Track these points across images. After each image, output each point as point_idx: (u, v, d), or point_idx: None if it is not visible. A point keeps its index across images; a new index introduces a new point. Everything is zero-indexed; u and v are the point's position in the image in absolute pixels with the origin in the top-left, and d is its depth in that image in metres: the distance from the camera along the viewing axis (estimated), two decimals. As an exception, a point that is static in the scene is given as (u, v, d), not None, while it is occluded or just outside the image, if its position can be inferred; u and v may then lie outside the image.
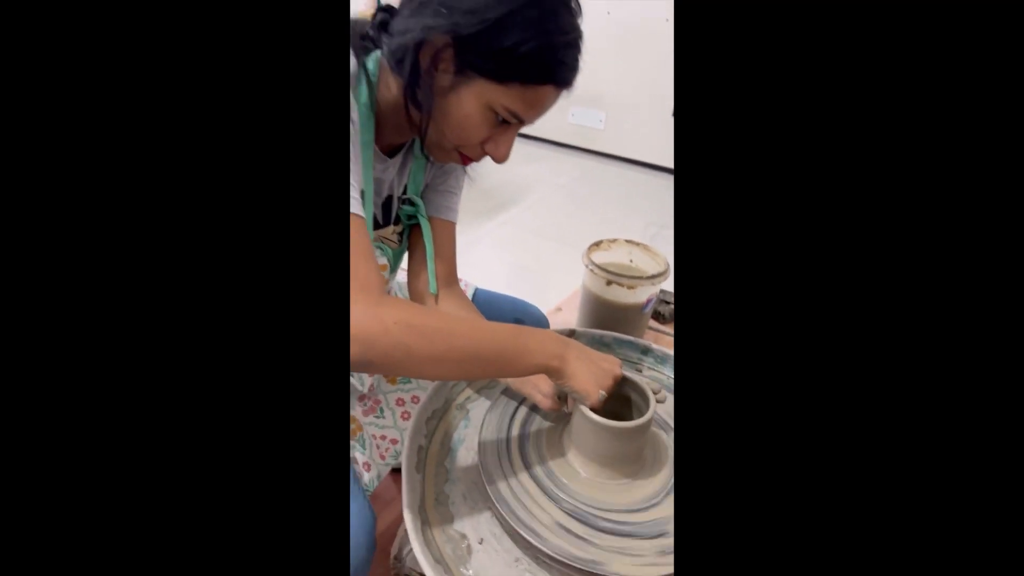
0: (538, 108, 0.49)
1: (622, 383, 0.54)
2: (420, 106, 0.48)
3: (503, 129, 0.51)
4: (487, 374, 0.47)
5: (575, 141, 2.98)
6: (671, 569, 0.42)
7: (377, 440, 0.72)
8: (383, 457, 0.71)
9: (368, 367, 0.39)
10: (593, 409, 0.48)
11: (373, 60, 0.52)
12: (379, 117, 0.54)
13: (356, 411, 0.69)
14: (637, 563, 0.43)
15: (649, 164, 2.77)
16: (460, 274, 0.72)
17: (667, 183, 2.57)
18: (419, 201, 0.65)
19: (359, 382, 0.68)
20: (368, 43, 0.51)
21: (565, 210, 2.25)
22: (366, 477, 0.66)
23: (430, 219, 0.67)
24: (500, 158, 0.53)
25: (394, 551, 0.72)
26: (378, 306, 0.38)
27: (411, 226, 0.68)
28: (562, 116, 2.97)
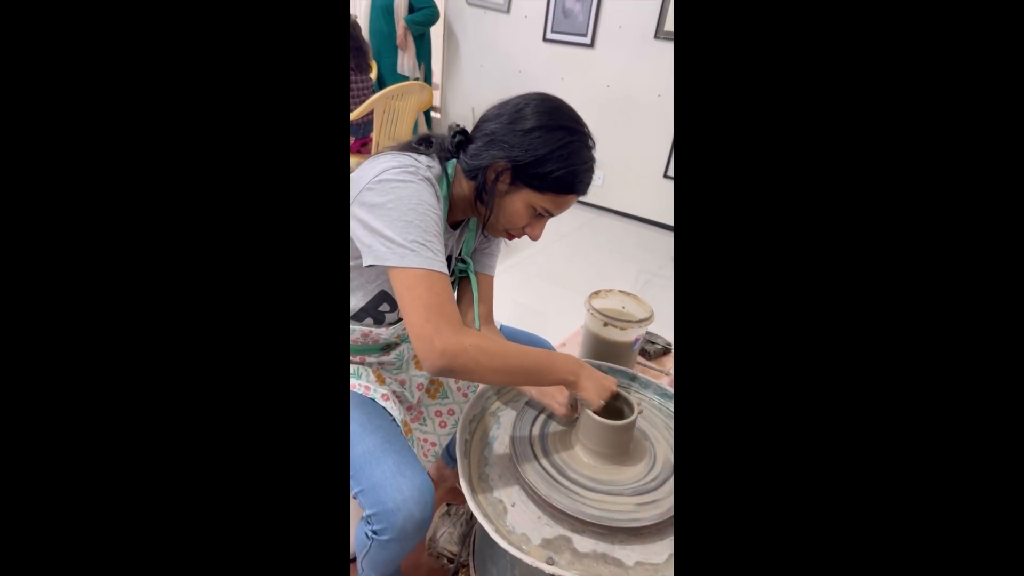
0: (563, 207, 0.73)
1: (616, 397, 0.74)
2: (486, 203, 0.71)
3: (539, 220, 0.74)
4: (525, 382, 0.68)
5: (584, 197, 3.26)
6: (647, 514, 0.61)
7: (421, 442, 0.90)
8: (425, 455, 0.90)
9: (450, 374, 0.59)
10: (595, 413, 0.68)
11: (451, 165, 0.75)
12: (451, 204, 0.77)
13: (407, 417, 0.88)
14: (619, 507, 0.62)
15: (641, 218, 3.05)
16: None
17: (658, 235, 2.84)
18: (469, 260, 0.87)
19: (410, 395, 0.88)
20: (447, 153, 0.75)
21: (567, 257, 2.49)
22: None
23: (476, 274, 0.88)
24: (535, 238, 0.76)
25: (429, 534, 0.90)
26: (460, 334, 0.59)
27: (461, 278, 0.90)
28: (564, 171, 3.27)
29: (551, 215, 0.73)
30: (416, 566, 0.95)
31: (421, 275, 0.60)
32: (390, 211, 0.61)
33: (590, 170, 0.71)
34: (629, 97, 2.83)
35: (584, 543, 0.61)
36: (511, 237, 0.78)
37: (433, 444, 0.91)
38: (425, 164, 0.68)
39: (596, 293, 1.12)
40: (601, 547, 0.61)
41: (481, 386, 0.84)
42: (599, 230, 2.92)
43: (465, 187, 0.74)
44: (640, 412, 0.73)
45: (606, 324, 1.03)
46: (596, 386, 0.68)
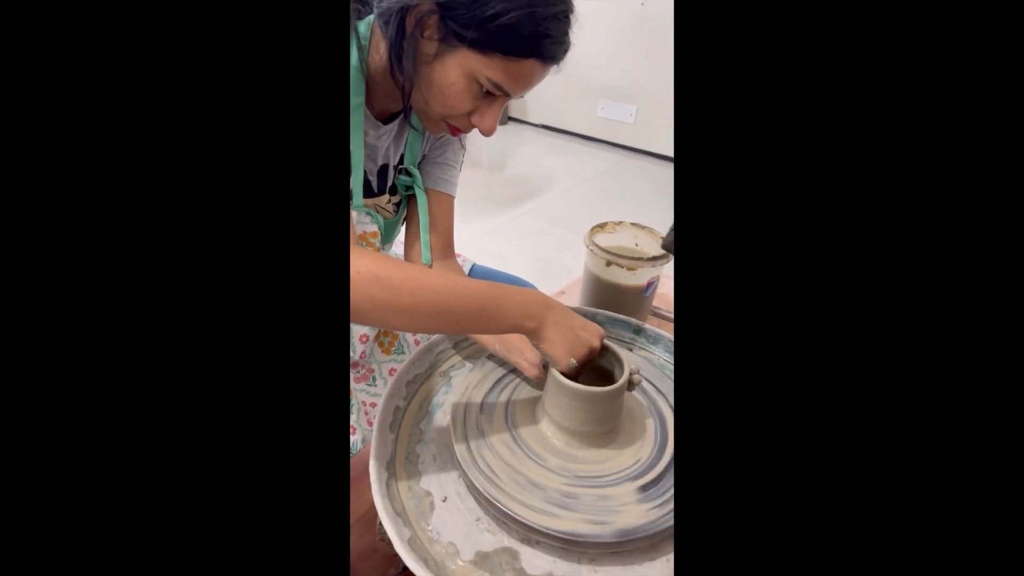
0: (523, 82, 0.49)
1: (602, 356, 0.52)
2: (403, 70, 0.49)
3: (488, 101, 0.51)
4: (461, 329, 0.47)
5: (604, 135, 2.94)
6: (631, 522, 0.41)
7: (367, 407, 0.73)
8: (370, 423, 0.72)
9: None
10: (565, 374, 0.48)
11: (365, 24, 0.52)
12: (371, 82, 0.55)
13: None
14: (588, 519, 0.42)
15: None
16: (473, 258, 0.71)
17: (697, 179, 2.51)
18: (415, 172, 0.65)
19: (350, 349, 0.70)
20: (360, 6, 0.52)
21: (588, 203, 2.23)
22: (351, 439, 0.67)
23: (427, 191, 0.67)
24: (486, 130, 0.53)
25: (380, 517, 0.73)
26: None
27: (408, 197, 0.69)
28: (591, 109, 2.94)
29: (507, 95, 0.50)
30: (371, 550, 0.80)
31: None
32: None
33: (561, 18, 0.46)
34: (666, 17, 2.44)
35: (536, 561, 0.42)
36: (455, 131, 0.55)
37: (382, 408, 0.73)
38: None
39: (601, 226, 0.89)
40: (561, 568, 0.41)
41: (434, 336, 0.64)
42: (629, 175, 2.62)
43: (384, 52, 0.52)
44: (635, 376, 0.51)
45: (609, 263, 0.80)
46: (567, 339, 0.47)
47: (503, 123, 3.27)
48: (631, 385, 0.51)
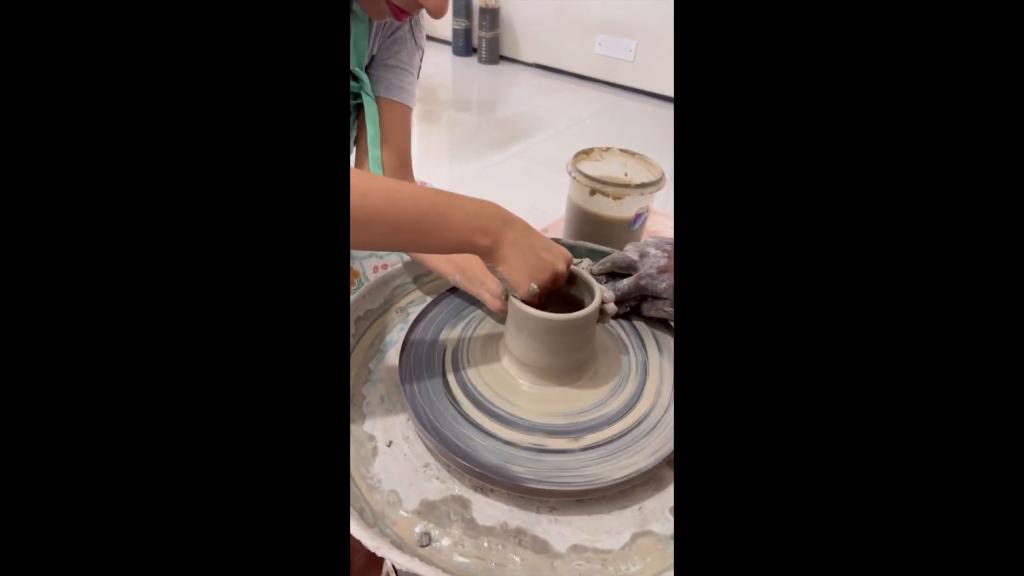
0: None
1: (571, 284, 0.46)
2: None
3: None
4: (400, 244, 0.39)
5: (601, 74, 2.76)
6: (598, 468, 0.36)
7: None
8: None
9: None
10: (525, 303, 0.41)
11: None
12: None
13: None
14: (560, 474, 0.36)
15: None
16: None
17: (698, 121, 2.37)
18: (363, 75, 0.56)
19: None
20: None
21: (582, 145, 2.11)
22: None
23: (378, 99, 0.58)
24: (435, 10, 0.43)
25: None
26: None
27: (357, 108, 0.60)
28: (588, 46, 2.75)
29: None
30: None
31: None
32: None
33: None
34: (671, -64, 2.23)
35: (489, 511, 0.37)
36: (399, 15, 0.45)
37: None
38: None
39: (586, 152, 0.80)
40: (517, 518, 0.36)
41: (389, 268, 0.57)
42: (627, 116, 2.47)
43: None
44: (609, 305, 0.44)
45: (593, 192, 0.72)
46: (528, 261, 0.40)
47: (494, 62, 3.07)
48: (604, 315, 0.44)
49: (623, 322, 0.50)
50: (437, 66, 2.99)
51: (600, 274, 0.51)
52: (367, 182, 0.35)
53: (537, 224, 0.66)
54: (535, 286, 0.40)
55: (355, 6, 0.52)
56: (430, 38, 3.26)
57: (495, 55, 3.04)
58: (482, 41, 2.99)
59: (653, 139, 2.20)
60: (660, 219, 0.95)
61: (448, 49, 3.19)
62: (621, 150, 0.81)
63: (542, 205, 1.64)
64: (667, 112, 2.49)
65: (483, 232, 0.38)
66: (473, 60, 3.09)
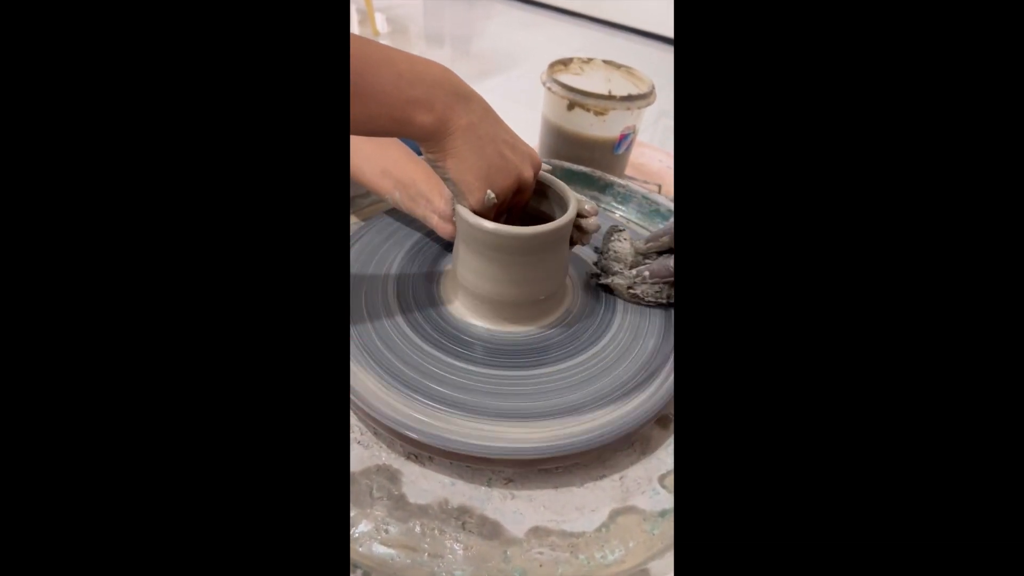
0: None
1: (540, 198, 0.35)
2: None
3: None
4: None
5: (579, 7, 2.57)
6: (565, 430, 0.27)
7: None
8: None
9: None
10: (477, 215, 0.31)
11: None
12: None
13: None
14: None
15: (664, 37, 2.38)
16: None
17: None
18: None
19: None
20: None
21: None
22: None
23: None
24: None
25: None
26: None
27: None
28: (570, -25, 2.52)
29: None
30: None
31: None
32: None
33: None
34: None
35: (425, 484, 0.28)
36: None
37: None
38: None
39: (564, 63, 0.68)
40: (462, 494, 0.28)
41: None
42: (614, 56, 2.30)
43: None
44: (589, 219, 0.35)
45: (572, 106, 0.61)
46: (485, 158, 0.29)
47: (469, -6, 2.81)
48: (583, 233, 0.34)
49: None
50: (406, -4, 2.73)
51: (652, 252, 0.36)
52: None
53: None
54: (492, 194, 0.30)
55: None
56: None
57: (469, -15, 2.78)
58: (455, -32, 2.72)
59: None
60: (646, 151, 0.85)
61: (418, -23, 2.91)
62: (605, 61, 0.69)
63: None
64: (659, 53, 2.33)
65: (425, 106, 0.27)
66: (445, -10, 2.83)
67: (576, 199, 0.33)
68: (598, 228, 0.35)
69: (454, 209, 0.33)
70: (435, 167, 0.30)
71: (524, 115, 1.64)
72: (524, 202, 0.34)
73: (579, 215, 0.34)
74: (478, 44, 2.33)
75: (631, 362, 0.32)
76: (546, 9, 2.67)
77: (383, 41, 0.48)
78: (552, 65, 0.67)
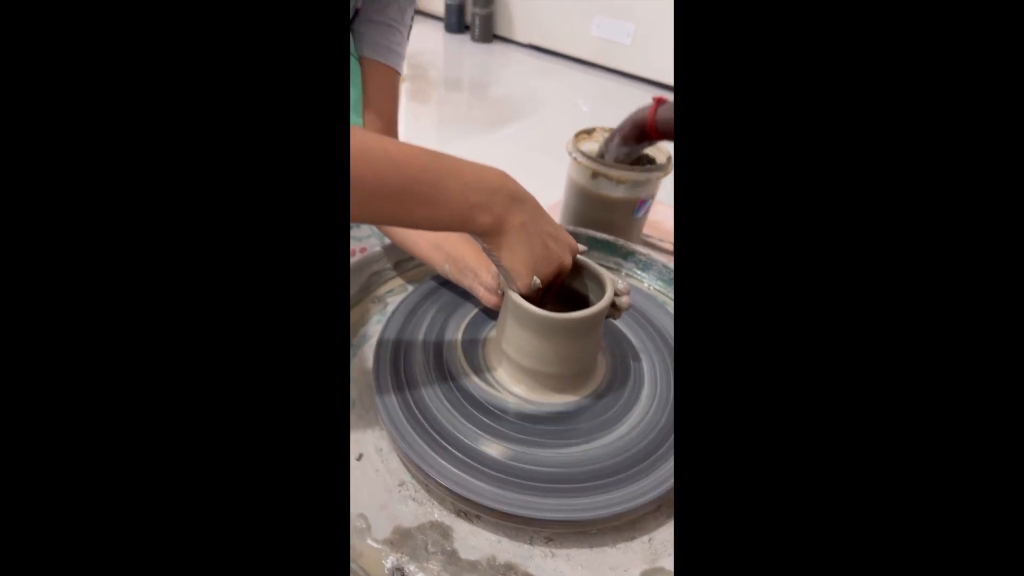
0: None
1: (574, 277, 0.40)
2: None
3: None
4: (379, 216, 0.32)
5: (597, 58, 2.69)
6: (604, 495, 0.30)
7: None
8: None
9: None
10: (524, 299, 0.35)
11: None
12: None
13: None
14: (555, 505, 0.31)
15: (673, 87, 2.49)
16: None
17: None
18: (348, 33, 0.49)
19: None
20: None
21: (575, 130, 2.04)
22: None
23: (363, 60, 0.51)
24: None
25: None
26: None
27: None
28: (584, 28, 2.66)
29: None
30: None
31: None
32: None
33: None
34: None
35: (474, 541, 0.31)
36: None
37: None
38: None
39: (588, 132, 0.74)
40: (508, 551, 0.31)
41: (368, 251, 0.51)
42: (622, 102, 2.39)
43: None
44: (622, 298, 0.39)
45: (596, 175, 0.66)
46: (533, 250, 0.34)
47: (487, 41, 2.96)
48: (616, 311, 0.38)
49: (636, 316, 0.45)
50: (428, 43, 2.87)
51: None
52: (360, 142, 0.28)
53: None
54: (538, 280, 0.34)
55: None
56: (421, 13, 3.14)
57: (488, 33, 2.94)
58: (475, 18, 2.88)
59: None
60: (662, 209, 0.90)
61: (440, 25, 3.07)
62: (625, 131, 0.75)
63: (538, 190, 1.58)
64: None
65: (485, 209, 0.31)
66: (466, 38, 2.99)
67: (611, 281, 0.37)
68: (630, 306, 0.40)
69: (501, 288, 0.37)
70: (489, 255, 0.35)
71: (542, 161, 1.72)
72: (562, 282, 0.38)
73: (615, 294, 0.38)
74: (495, 90, 2.44)
75: (659, 433, 0.36)
76: (562, 58, 2.80)
77: (404, 86, 0.54)
78: (577, 134, 0.73)
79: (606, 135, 0.76)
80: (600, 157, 0.67)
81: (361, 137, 0.28)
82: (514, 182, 0.34)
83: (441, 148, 0.31)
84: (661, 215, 0.89)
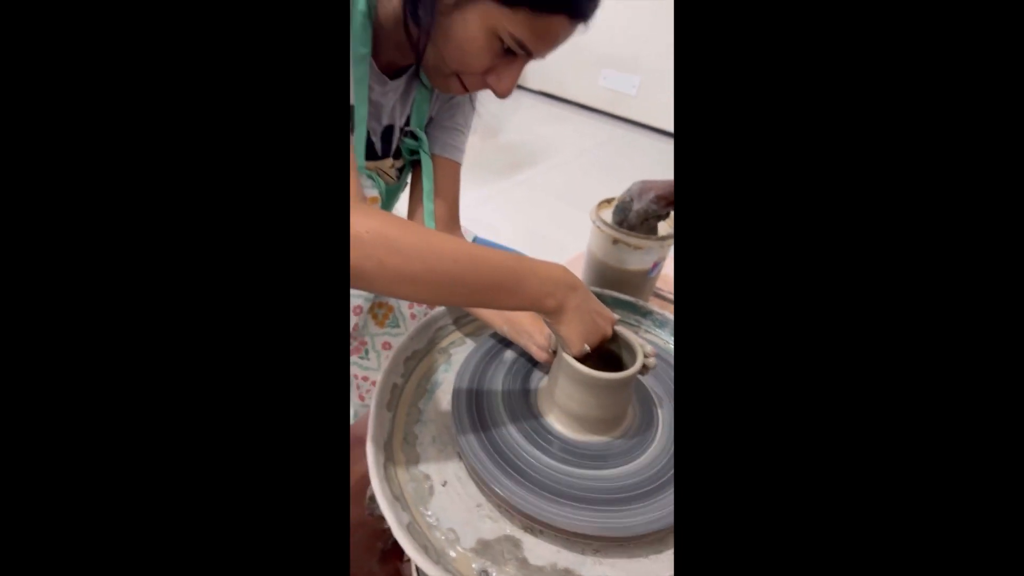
0: (548, 41, 0.44)
1: (612, 341, 0.50)
2: (419, 21, 0.44)
3: (508, 60, 0.46)
4: (471, 302, 0.42)
5: (605, 106, 2.86)
6: (637, 519, 0.40)
7: (359, 380, 0.70)
8: (362, 398, 0.69)
9: None
10: (577, 360, 0.45)
11: None
12: (378, 31, 0.50)
13: (339, 347, 0.67)
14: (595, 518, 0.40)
15: (679, 136, 2.65)
16: (464, 224, 0.68)
17: (696, 157, 2.46)
18: (422, 135, 0.61)
19: (344, 318, 0.66)
20: None
21: (586, 176, 2.17)
22: (343, 413, 0.65)
23: (433, 156, 0.63)
24: (502, 92, 0.48)
25: (369, 492, 0.72)
26: (352, 211, 0.34)
27: (413, 163, 0.64)
28: (593, 79, 2.84)
29: (528, 54, 0.45)
30: (359, 524, 0.79)
31: None
32: None
33: None
34: (678, -17, 2.34)
35: (540, 551, 0.40)
36: (466, 89, 0.50)
37: (374, 383, 0.71)
38: None
39: (608, 201, 0.86)
40: (565, 559, 0.40)
41: (433, 310, 0.61)
42: (630, 148, 2.55)
43: (397, 1, 0.46)
44: (650, 359, 0.49)
45: (615, 241, 0.77)
46: (584, 323, 0.44)
47: (501, 87, 3.15)
48: (644, 369, 0.49)
49: (657, 373, 0.55)
50: (445, 88, 3.04)
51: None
52: (456, 247, 0.38)
53: (546, 257, 0.72)
54: (587, 347, 0.45)
55: (423, 76, 0.57)
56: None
57: (502, 81, 3.12)
58: (490, 67, 3.06)
59: (655, 173, 2.28)
60: (671, 262, 1.01)
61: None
62: (640, 200, 0.87)
63: (549, 232, 1.70)
64: (669, 146, 2.58)
65: (552, 296, 0.42)
66: (480, 84, 3.16)
67: (641, 347, 0.47)
68: (656, 366, 0.50)
69: (551, 348, 0.47)
70: (550, 327, 0.45)
71: (557, 207, 1.85)
72: (602, 345, 0.49)
73: (644, 356, 0.48)
74: (506, 136, 2.60)
75: (670, 460, 0.45)
76: (571, 105, 2.98)
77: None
78: (599, 203, 0.85)
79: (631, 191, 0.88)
80: (620, 211, 0.79)
81: (466, 246, 0.39)
82: (572, 275, 0.44)
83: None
84: (669, 268, 1.00)
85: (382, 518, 0.67)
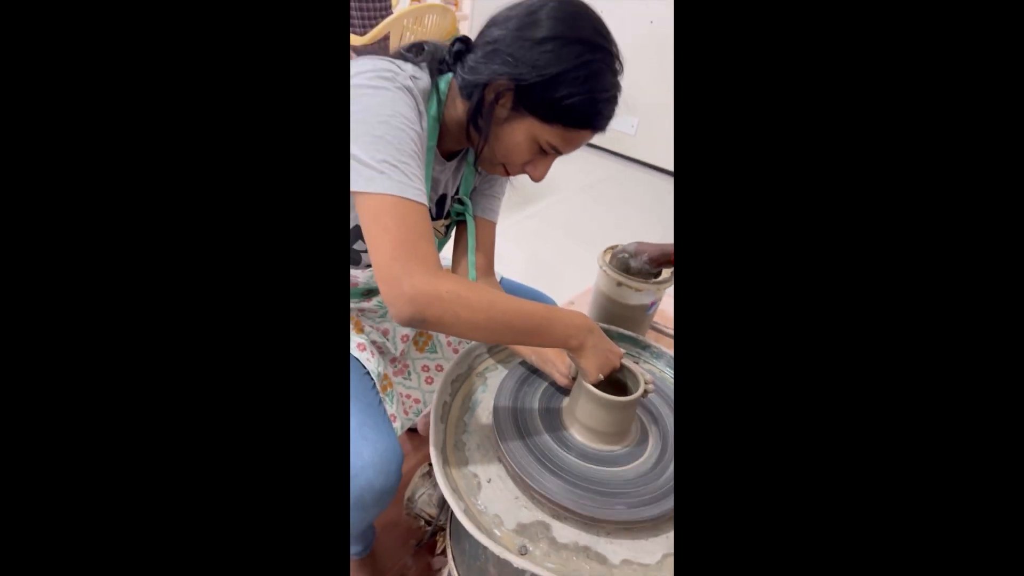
0: (574, 145, 0.60)
1: (620, 370, 0.63)
2: (480, 130, 0.59)
3: (543, 157, 0.61)
4: (514, 341, 0.56)
5: (606, 144, 3.04)
6: (641, 512, 0.52)
7: (403, 398, 0.83)
8: (407, 413, 0.82)
9: (421, 325, 0.48)
10: (593, 385, 0.58)
11: (445, 81, 0.62)
12: (443, 128, 0.64)
13: (388, 370, 0.80)
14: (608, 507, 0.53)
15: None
16: None
17: (691, 194, 2.62)
18: (468, 201, 0.75)
19: (393, 346, 0.79)
20: (443, 66, 0.61)
21: (588, 211, 2.33)
22: (392, 426, 0.77)
23: (475, 218, 0.77)
24: (537, 179, 0.63)
25: (408, 494, 0.84)
26: (435, 278, 0.48)
27: (457, 222, 0.78)
28: (595, 118, 3.03)
29: (559, 153, 0.60)
30: (394, 524, 0.91)
31: (390, 202, 0.48)
32: (356, 124, 0.49)
33: (612, 100, 0.57)
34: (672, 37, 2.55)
35: (564, 532, 0.53)
36: (507, 173, 0.65)
37: (416, 401, 0.83)
38: (409, 73, 0.55)
39: (612, 248, 1.00)
40: (584, 539, 0.52)
41: (472, 341, 0.74)
42: (628, 184, 2.72)
43: (460, 109, 0.61)
44: (650, 386, 0.62)
45: (619, 284, 0.91)
46: (600, 357, 0.58)
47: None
48: (645, 393, 0.62)
49: (654, 397, 0.68)
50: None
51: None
52: (507, 302, 0.51)
53: (551, 289, 0.87)
54: (601, 376, 0.58)
55: (470, 159, 0.72)
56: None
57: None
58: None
59: (653, 208, 2.44)
60: (667, 299, 1.15)
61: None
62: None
63: (555, 265, 1.84)
64: (665, 183, 2.75)
65: (575, 338, 0.56)
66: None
67: (642, 375, 0.61)
68: (654, 390, 0.63)
69: (574, 376, 0.60)
70: (573, 359, 0.58)
71: (560, 240, 1.99)
72: (612, 374, 0.62)
73: (646, 382, 0.61)
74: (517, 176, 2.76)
75: (667, 460, 0.58)
76: (573, 141, 3.16)
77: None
78: (605, 250, 0.99)
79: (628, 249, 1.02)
80: (622, 263, 0.93)
81: (514, 302, 0.53)
82: (589, 320, 0.58)
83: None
84: (668, 305, 1.14)
85: (418, 516, 0.80)
